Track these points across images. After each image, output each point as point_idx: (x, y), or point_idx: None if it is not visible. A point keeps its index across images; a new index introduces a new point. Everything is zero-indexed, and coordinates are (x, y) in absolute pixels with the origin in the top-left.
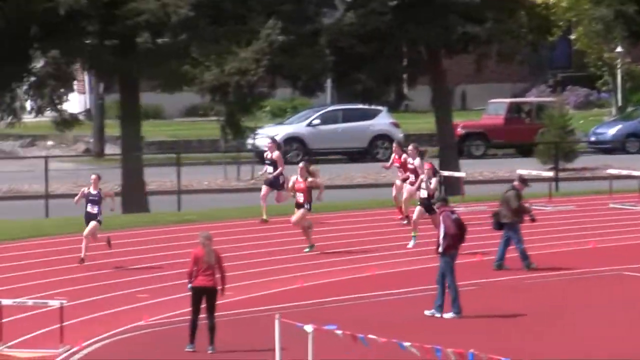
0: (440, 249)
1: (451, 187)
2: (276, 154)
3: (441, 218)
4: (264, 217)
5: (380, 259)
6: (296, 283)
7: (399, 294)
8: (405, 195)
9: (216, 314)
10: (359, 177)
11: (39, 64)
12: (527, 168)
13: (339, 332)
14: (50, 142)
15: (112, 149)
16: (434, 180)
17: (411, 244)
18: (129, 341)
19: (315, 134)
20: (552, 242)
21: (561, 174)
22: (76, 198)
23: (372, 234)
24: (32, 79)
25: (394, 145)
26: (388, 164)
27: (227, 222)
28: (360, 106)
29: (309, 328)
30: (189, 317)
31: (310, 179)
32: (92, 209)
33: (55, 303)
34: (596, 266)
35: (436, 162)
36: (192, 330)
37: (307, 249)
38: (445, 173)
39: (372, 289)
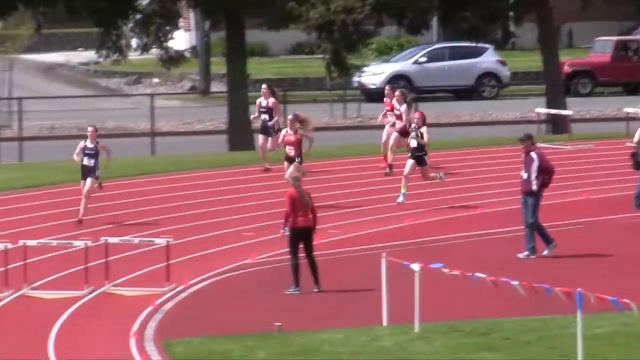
0: (534, 187)
1: (558, 125)
2: (272, 100)
3: (536, 155)
4: (266, 165)
5: (489, 197)
6: (403, 222)
7: (505, 232)
8: (391, 142)
9: (323, 252)
10: (465, 115)
11: (144, 1)
12: (634, 106)
13: (446, 270)
14: (155, 80)
15: (217, 87)
16: (424, 131)
17: (400, 199)
18: (234, 279)
19: (422, 71)
20: None
21: None
22: (75, 153)
23: (480, 172)
24: (138, 16)
25: (387, 88)
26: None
27: (332, 160)
28: (467, 44)
29: (415, 266)
30: (290, 259)
31: (300, 131)
32: (89, 162)
33: (161, 241)
34: None
35: (543, 101)
36: (296, 273)
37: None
38: (552, 111)
39: (479, 227)
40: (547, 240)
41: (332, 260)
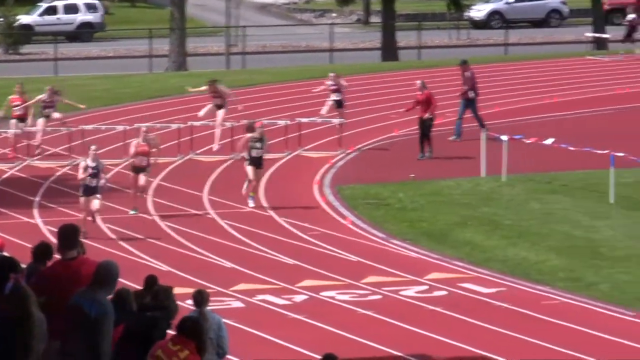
0: (470, 95)
1: (600, 44)
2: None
3: (469, 74)
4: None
5: (562, 89)
6: (494, 108)
7: (557, 116)
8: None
9: (440, 129)
10: (539, 37)
11: None
12: None
13: (525, 140)
14: (334, 14)
15: (374, 19)
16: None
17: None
18: (384, 147)
19: (510, 9)
20: None
21: None
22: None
23: (551, 74)
24: None
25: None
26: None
27: (440, 68)
28: None
29: (504, 137)
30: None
31: (153, 142)
32: (91, 182)
33: (336, 121)
34: None
35: (590, 28)
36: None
37: (132, 211)
38: (596, 35)
39: (546, 112)
40: (481, 124)
41: (446, 134)
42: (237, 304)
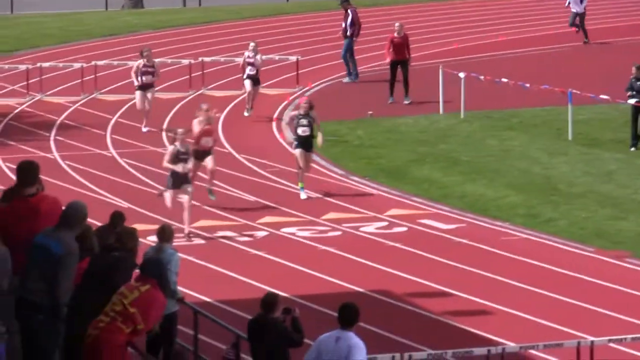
0: (349, 33)
1: None
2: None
3: (351, 12)
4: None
5: (513, 27)
6: (453, 45)
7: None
8: None
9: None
10: None
11: None
12: None
13: (481, 77)
14: None
15: None
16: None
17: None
18: (340, 84)
19: None
20: None
21: None
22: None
23: (509, 12)
24: None
25: None
26: None
27: (413, 4)
28: None
29: (461, 74)
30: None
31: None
32: (185, 169)
33: (293, 58)
34: None
35: None
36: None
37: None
38: None
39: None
40: (349, 72)
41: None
42: (198, 241)
